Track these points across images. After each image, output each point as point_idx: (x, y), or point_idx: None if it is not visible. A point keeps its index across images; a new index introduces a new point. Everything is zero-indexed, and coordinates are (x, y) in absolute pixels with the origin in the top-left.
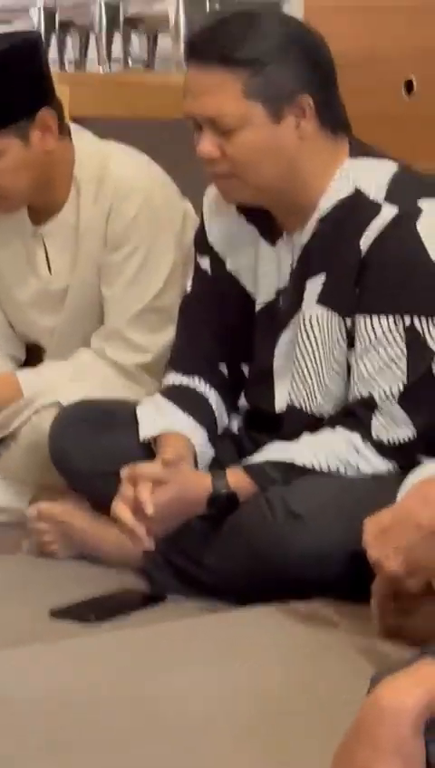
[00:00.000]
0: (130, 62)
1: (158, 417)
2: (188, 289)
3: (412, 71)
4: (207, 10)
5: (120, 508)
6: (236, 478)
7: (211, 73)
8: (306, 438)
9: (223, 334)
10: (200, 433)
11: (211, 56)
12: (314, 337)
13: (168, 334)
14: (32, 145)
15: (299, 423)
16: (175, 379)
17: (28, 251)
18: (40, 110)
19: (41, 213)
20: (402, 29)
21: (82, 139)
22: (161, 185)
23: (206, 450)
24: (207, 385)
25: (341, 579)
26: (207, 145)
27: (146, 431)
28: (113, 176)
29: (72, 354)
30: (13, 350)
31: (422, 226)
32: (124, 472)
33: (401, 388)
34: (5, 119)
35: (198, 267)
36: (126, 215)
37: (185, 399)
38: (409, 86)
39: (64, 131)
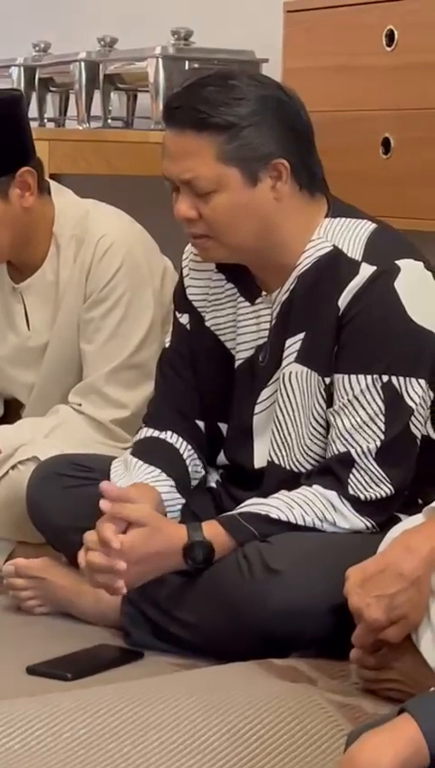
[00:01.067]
0: (109, 120)
1: (125, 473)
2: (167, 344)
3: (389, 130)
4: (186, 68)
5: (88, 554)
6: (212, 530)
7: (187, 138)
8: (283, 494)
9: (201, 391)
10: (166, 481)
11: (187, 121)
12: (294, 395)
13: (145, 390)
14: (11, 203)
15: (278, 479)
16: (146, 433)
17: (7, 308)
18: (20, 169)
19: (20, 270)
20: (379, 88)
21: (62, 196)
22: (141, 242)
23: (173, 497)
24: (180, 438)
25: (319, 635)
26: (183, 207)
27: None
28: (93, 233)
29: (49, 410)
30: None
31: (400, 285)
32: (104, 505)
33: (379, 444)
34: None
35: (177, 323)
36: (106, 271)
37: (152, 451)
38: (386, 145)
39: (44, 189)
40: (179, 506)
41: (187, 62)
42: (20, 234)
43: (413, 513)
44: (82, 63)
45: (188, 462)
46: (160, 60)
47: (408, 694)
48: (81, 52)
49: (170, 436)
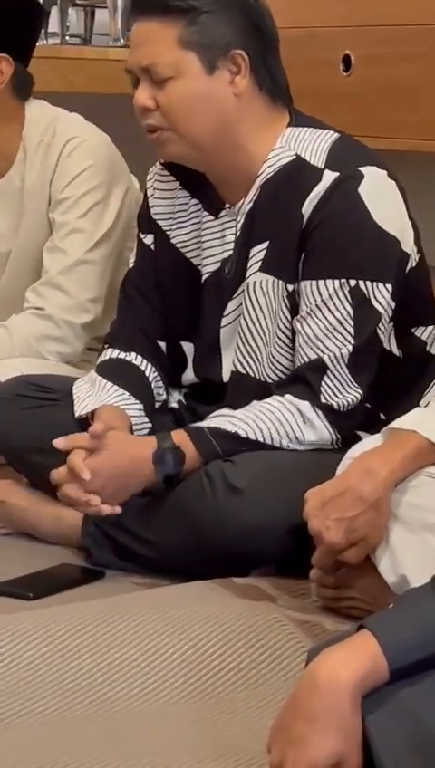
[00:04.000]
0: (67, 37)
1: (92, 393)
2: (131, 265)
3: (349, 46)
4: None
5: (62, 489)
6: (180, 438)
7: (149, 24)
8: (253, 408)
9: (166, 311)
10: (135, 405)
11: (150, 7)
12: (260, 304)
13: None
14: None
15: (245, 389)
16: (111, 354)
17: None
18: (2, 53)
19: None
20: (339, 4)
21: (34, 106)
22: (110, 147)
23: (142, 422)
24: (144, 360)
25: (280, 553)
26: (142, 95)
27: (81, 408)
28: (61, 136)
29: (10, 316)
30: None
31: (364, 190)
32: (58, 442)
33: (350, 349)
34: None
35: (141, 244)
36: (70, 171)
37: (119, 373)
38: (346, 62)
39: (23, 95)
40: (147, 430)
41: None
42: None
43: (376, 430)
44: None
45: (152, 384)
46: None
47: (367, 611)
48: None
49: (135, 358)
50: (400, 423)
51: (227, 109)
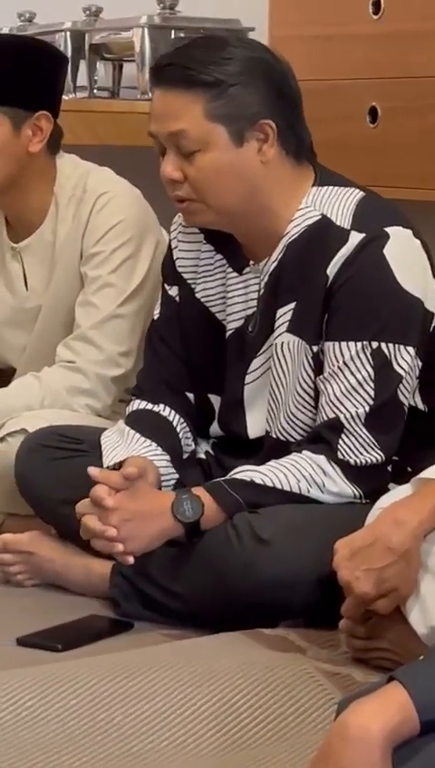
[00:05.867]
0: (95, 90)
1: (121, 443)
2: (156, 317)
3: (376, 98)
4: (172, 38)
5: (83, 519)
6: (200, 494)
7: (175, 95)
8: (272, 462)
9: (191, 362)
10: (163, 457)
11: (175, 79)
12: (287, 364)
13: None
14: (19, 139)
15: (271, 449)
16: (139, 405)
17: (5, 268)
18: (40, 111)
19: (19, 231)
20: (366, 57)
21: (64, 158)
22: (140, 202)
23: (169, 473)
24: (172, 411)
25: (308, 605)
26: (169, 168)
27: (109, 459)
28: (92, 191)
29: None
30: None
31: (389, 251)
32: (93, 470)
33: (367, 409)
34: (7, 97)
35: (166, 295)
36: (102, 226)
37: (148, 425)
38: (373, 114)
39: (54, 150)
40: (174, 482)
41: (173, 32)
42: (16, 176)
43: (403, 482)
44: (68, 33)
45: (180, 436)
46: (146, 29)
47: (397, 663)
48: (66, 21)
49: (163, 409)
50: (429, 473)
51: (255, 177)
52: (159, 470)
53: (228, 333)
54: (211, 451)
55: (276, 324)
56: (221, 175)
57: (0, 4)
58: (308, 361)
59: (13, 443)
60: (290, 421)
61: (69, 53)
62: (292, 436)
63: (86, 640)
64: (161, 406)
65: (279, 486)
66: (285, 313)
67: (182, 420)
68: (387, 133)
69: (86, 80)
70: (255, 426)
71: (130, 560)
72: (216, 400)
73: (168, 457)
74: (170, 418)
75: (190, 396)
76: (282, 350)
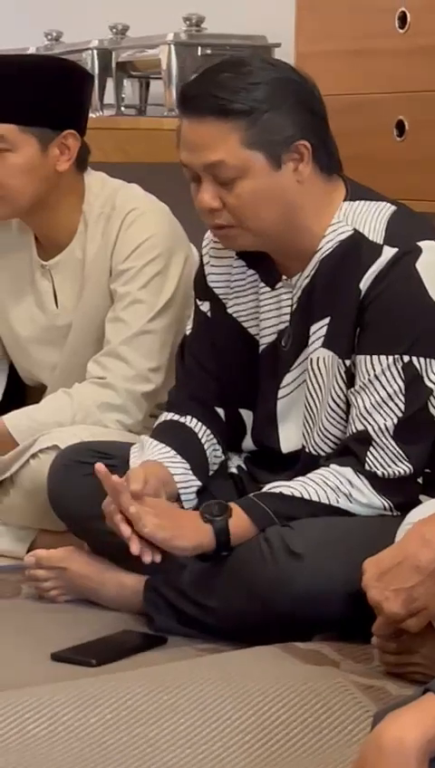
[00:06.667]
0: (122, 107)
1: (140, 453)
2: (188, 332)
3: (403, 112)
4: (199, 55)
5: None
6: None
7: (208, 126)
8: (301, 476)
9: (222, 377)
10: (181, 463)
11: (206, 108)
12: (323, 379)
13: (156, 359)
14: (47, 158)
15: (306, 464)
16: (166, 417)
17: (35, 286)
18: (67, 130)
19: (49, 249)
20: (392, 71)
21: (92, 176)
22: (169, 218)
23: (188, 479)
24: (199, 423)
25: (341, 618)
26: (206, 197)
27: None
28: (121, 208)
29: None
30: None
31: (421, 265)
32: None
33: (396, 422)
34: (34, 117)
35: (197, 311)
36: (130, 243)
37: (169, 433)
38: (400, 127)
39: (82, 168)
40: (195, 488)
41: (199, 49)
42: (45, 195)
43: (434, 494)
44: (95, 51)
45: (206, 446)
46: (173, 46)
47: (431, 676)
48: (93, 40)
49: (189, 421)
50: None
51: (291, 196)
52: (176, 476)
53: (261, 348)
54: (244, 466)
55: (311, 339)
56: (260, 200)
57: (27, 24)
58: (340, 375)
59: (45, 459)
60: (322, 435)
61: (96, 72)
62: (323, 450)
63: (120, 655)
64: (188, 417)
65: (307, 497)
66: (319, 329)
67: (209, 432)
68: (414, 147)
69: (113, 97)
70: (288, 440)
71: (158, 557)
72: (247, 415)
73: (186, 465)
74: (196, 429)
75: (220, 411)
76: (317, 365)
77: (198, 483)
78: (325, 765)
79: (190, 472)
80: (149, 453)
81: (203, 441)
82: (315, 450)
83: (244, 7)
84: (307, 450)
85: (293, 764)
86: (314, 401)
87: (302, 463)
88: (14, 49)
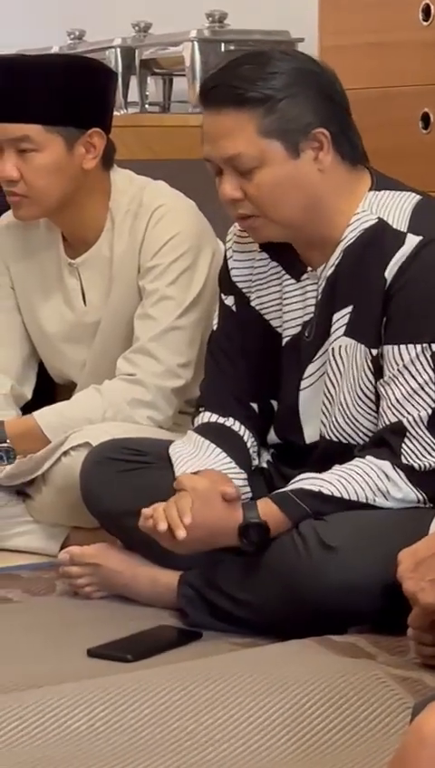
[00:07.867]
0: (146, 105)
1: (197, 454)
2: (215, 327)
3: (428, 105)
4: (222, 51)
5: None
6: (266, 508)
7: (226, 116)
8: (335, 469)
9: (252, 371)
10: (241, 474)
11: (224, 99)
12: (344, 368)
13: (186, 355)
14: (73, 157)
15: (329, 454)
16: (210, 417)
17: (63, 284)
18: (92, 129)
19: (76, 246)
20: (417, 63)
21: (119, 174)
22: (196, 214)
23: (245, 492)
24: (242, 426)
25: (376, 610)
26: (228, 188)
27: (185, 468)
28: (148, 205)
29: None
30: (22, 390)
31: None
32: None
33: (430, 412)
34: (60, 116)
35: (223, 305)
36: (158, 239)
37: (222, 439)
38: (425, 120)
39: (108, 165)
40: (249, 498)
41: (222, 45)
42: (72, 193)
43: None
44: (118, 50)
45: (251, 451)
46: (196, 43)
47: None
48: (116, 38)
49: (233, 424)
50: None
51: (313, 186)
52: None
53: (285, 341)
54: (271, 459)
55: (333, 328)
56: (281, 188)
57: (50, 23)
58: (368, 365)
59: (76, 456)
60: (352, 425)
61: (119, 70)
62: (353, 440)
63: (156, 650)
64: (231, 420)
65: (346, 497)
66: (342, 317)
67: (251, 434)
68: None
69: (137, 95)
70: (312, 432)
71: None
72: (276, 406)
73: (244, 475)
74: (241, 433)
75: (255, 406)
76: (339, 353)
77: (251, 494)
78: (363, 758)
79: (247, 483)
80: (212, 460)
81: (248, 446)
82: (344, 439)
83: (266, 2)
84: (326, 437)
85: (331, 758)
86: (332, 387)
87: (322, 450)
88: (37, 48)
